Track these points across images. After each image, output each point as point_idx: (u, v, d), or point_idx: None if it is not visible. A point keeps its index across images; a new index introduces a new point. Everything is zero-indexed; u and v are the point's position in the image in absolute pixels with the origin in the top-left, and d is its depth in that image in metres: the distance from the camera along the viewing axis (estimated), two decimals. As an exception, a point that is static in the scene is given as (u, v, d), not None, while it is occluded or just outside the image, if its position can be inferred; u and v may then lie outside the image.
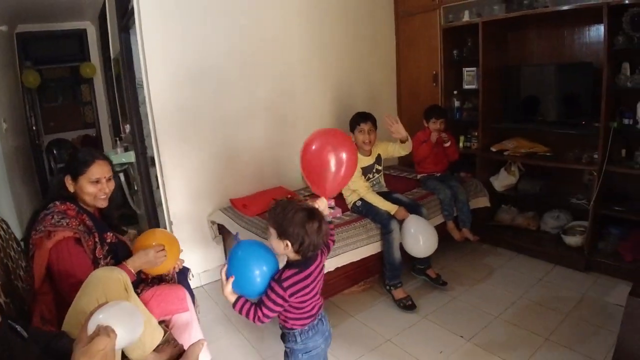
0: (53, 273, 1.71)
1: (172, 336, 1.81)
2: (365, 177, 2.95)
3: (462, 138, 3.84)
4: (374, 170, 3.02)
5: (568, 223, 3.32)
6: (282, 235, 1.47)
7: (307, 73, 3.65)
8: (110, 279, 1.47)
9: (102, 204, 1.88)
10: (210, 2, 3.09)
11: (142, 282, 1.99)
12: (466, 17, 3.55)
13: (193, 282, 3.15)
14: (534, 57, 3.50)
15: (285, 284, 1.45)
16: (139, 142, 3.49)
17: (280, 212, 1.49)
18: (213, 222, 3.29)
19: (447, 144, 3.34)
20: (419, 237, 2.72)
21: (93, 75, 5.98)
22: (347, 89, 3.91)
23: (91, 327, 1.03)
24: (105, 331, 1.01)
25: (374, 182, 3.03)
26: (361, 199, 2.90)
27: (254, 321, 1.47)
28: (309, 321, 1.56)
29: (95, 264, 1.77)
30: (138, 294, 1.86)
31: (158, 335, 1.66)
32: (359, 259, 2.70)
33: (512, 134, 3.59)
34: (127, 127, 4.25)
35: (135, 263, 1.81)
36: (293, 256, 1.51)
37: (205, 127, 3.19)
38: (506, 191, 3.61)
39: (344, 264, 2.63)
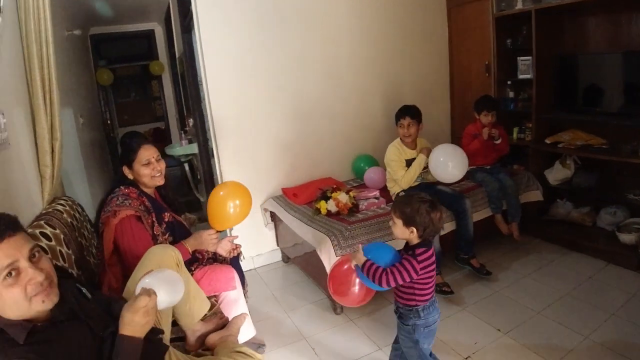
0: (119, 247, 1.97)
1: (219, 309, 2.02)
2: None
3: (515, 129, 3.77)
4: None
5: (625, 220, 3.19)
6: (408, 223, 1.74)
7: (356, 66, 3.74)
8: (164, 255, 1.69)
9: (160, 181, 2.14)
10: (263, 2, 3.27)
11: (197, 262, 2.21)
12: (519, 5, 3.47)
13: (246, 265, 3.42)
14: (590, 45, 3.36)
15: (419, 259, 1.71)
16: (201, 134, 3.77)
17: (405, 204, 1.77)
18: (266, 210, 3.49)
19: (498, 142, 3.28)
20: (448, 164, 2.75)
21: (161, 73, 6.41)
22: (397, 81, 3.95)
23: (137, 289, 1.25)
24: (147, 292, 1.22)
25: (418, 179, 3.06)
26: (404, 190, 2.97)
27: (379, 282, 1.71)
28: (429, 297, 1.79)
29: (154, 239, 2.02)
30: (192, 271, 2.10)
31: (205, 307, 1.86)
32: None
33: (568, 125, 3.49)
34: (191, 121, 4.56)
35: (191, 242, 2.06)
36: (416, 240, 1.77)
37: (259, 120, 3.39)
38: (561, 185, 3.51)
39: (386, 252, 2.72)
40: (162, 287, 1.29)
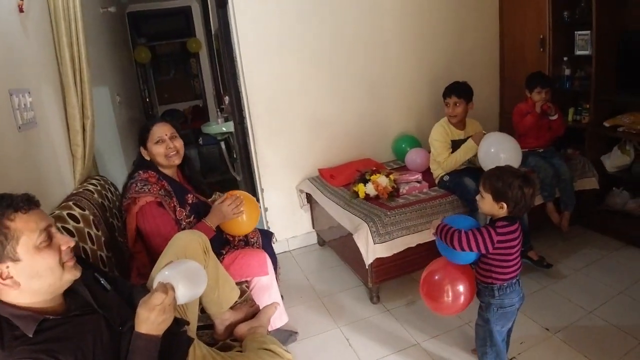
0: (142, 233, 1.91)
1: (250, 296, 1.93)
2: (452, 152, 2.81)
3: (571, 110, 3.46)
4: None
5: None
6: (499, 198, 1.67)
7: (401, 40, 3.52)
8: (191, 241, 1.60)
9: (176, 160, 2.03)
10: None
11: (228, 245, 2.13)
12: (579, -26, 3.14)
13: (281, 248, 3.35)
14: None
15: (498, 230, 1.65)
16: (237, 112, 3.68)
17: (497, 177, 1.68)
18: (301, 191, 3.39)
19: (554, 117, 3.00)
20: (500, 155, 2.50)
21: (199, 50, 6.34)
22: (444, 57, 3.70)
23: (155, 283, 1.15)
24: (163, 288, 1.12)
25: (465, 163, 2.84)
26: (449, 174, 2.78)
27: (451, 241, 1.69)
28: (508, 277, 1.71)
29: (178, 224, 1.94)
30: (223, 255, 2.02)
31: (235, 295, 1.78)
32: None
33: (629, 107, 3.12)
34: (227, 99, 4.48)
35: (212, 219, 1.95)
36: (502, 215, 1.70)
37: (296, 98, 3.26)
38: (618, 172, 3.20)
39: (427, 240, 2.55)
40: (181, 281, 1.19)
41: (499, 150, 2.52)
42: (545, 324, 2.27)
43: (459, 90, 2.77)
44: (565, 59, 3.44)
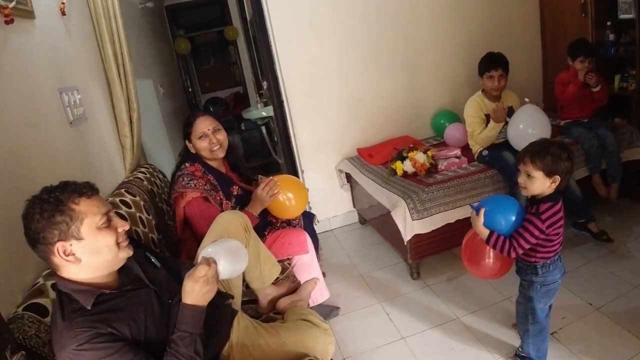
0: (190, 225, 2.02)
1: (292, 273, 2.02)
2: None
3: (617, 77, 3.27)
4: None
5: None
6: (551, 173, 1.58)
7: (435, 12, 3.43)
8: (232, 221, 1.69)
9: (219, 154, 2.10)
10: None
11: (270, 225, 2.22)
12: None
13: (322, 227, 3.43)
14: None
15: (543, 217, 1.58)
16: (275, 97, 3.75)
17: (545, 152, 1.58)
18: (341, 171, 3.43)
19: (597, 89, 2.86)
20: (527, 131, 2.43)
21: (236, 38, 6.45)
22: (481, 26, 3.57)
23: (199, 258, 1.25)
24: (206, 261, 1.22)
25: (501, 137, 2.75)
26: (488, 148, 2.74)
27: (508, 253, 1.63)
28: (552, 255, 1.67)
29: None
30: (265, 236, 2.11)
31: (276, 271, 1.87)
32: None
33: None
34: (265, 84, 4.56)
35: (253, 206, 2.02)
36: (549, 192, 1.62)
37: (331, 79, 3.28)
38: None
39: (467, 216, 2.52)
40: (223, 257, 1.28)
41: (527, 126, 2.47)
42: (588, 299, 2.22)
43: (503, 62, 2.70)
44: (608, 23, 3.25)
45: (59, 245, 1.08)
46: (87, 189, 1.15)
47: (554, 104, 3.16)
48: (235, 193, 2.13)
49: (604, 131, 2.86)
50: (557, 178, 1.58)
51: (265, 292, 1.86)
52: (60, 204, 1.08)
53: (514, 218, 1.63)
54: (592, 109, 2.99)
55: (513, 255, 1.62)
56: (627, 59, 3.20)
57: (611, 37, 3.27)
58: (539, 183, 1.60)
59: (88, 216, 1.12)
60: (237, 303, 1.64)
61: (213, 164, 2.14)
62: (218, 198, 2.03)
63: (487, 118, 2.74)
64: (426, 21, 3.43)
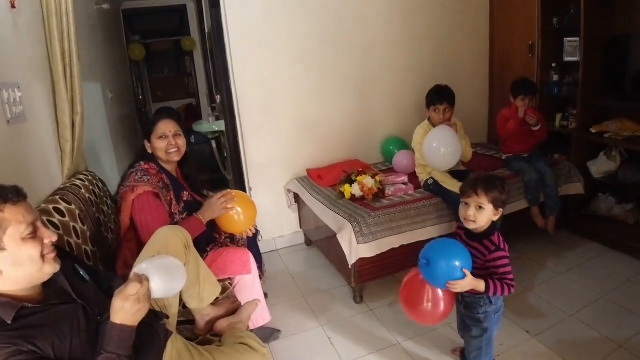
0: (135, 223, 1.94)
1: (232, 293, 1.96)
2: None
3: (558, 116, 3.50)
4: None
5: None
6: (498, 205, 1.67)
7: (389, 42, 3.55)
8: (171, 237, 1.63)
9: (175, 157, 2.10)
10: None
11: (213, 242, 2.16)
12: (567, -19, 3.19)
13: (267, 247, 3.38)
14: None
15: (503, 246, 1.68)
16: (228, 111, 3.71)
17: (493, 186, 1.66)
18: (289, 191, 3.42)
19: (536, 128, 3.04)
20: (440, 149, 2.60)
21: (193, 49, 6.38)
22: (433, 59, 3.73)
23: (132, 275, 1.18)
24: (138, 279, 1.15)
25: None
26: (433, 177, 2.83)
27: (509, 293, 1.65)
28: None
29: (172, 218, 1.98)
30: (207, 252, 2.05)
31: (216, 291, 1.81)
32: (426, 238, 2.64)
33: (616, 114, 3.20)
34: (218, 98, 4.51)
35: (204, 213, 2.00)
36: (488, 225, 1.71)
37: (285, 98, 3.29)
38: (604, 178, 3.24)
39: (411, 242, 2.60)
40: (157, 274, 1.21)
41: (439, 145, 2.63)
42: (525, 327, 2.31)
43: (450, 97, 2.80)
44: (554, 65, 3.49)
45: None
46: (14, 195, 1.07)
47: (497, 137, 3.33)
48: (185, 198, 2.10)
49: (543, 166, 3.04)
50: (501, 210, 1.67)
51: (203, 313, 1.79)
52: None
53: (465, 256, 1.61)
54: (532, 144, 3.17)
55: (513, 291, 1.65)
56: (569, 99, 3.43)
57: (555, 77, 3.49)
58: (487, 214, 1.67)
59: (12, 225, 1.04)
60: (172, 323, 1.56)
61: (167, 167, 2.12)
62: (169, 197, 2.00)
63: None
64: (381, 50, 3.53)
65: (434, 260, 1.59)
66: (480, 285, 1.62)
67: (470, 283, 1.59)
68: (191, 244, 1.72)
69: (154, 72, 6.90)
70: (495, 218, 1.70)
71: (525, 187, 2.98)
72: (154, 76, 6.89)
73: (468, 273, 1.58)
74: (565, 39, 3.37)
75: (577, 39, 3.21)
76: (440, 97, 2.80)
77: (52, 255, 1.13)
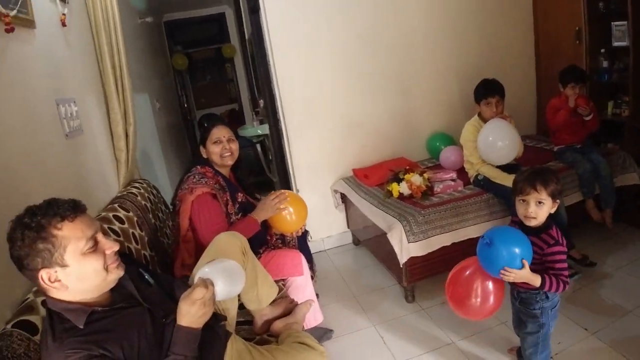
0: (194, 223, 1.99)
1: (287, 294, 1.98)
2: None
3: (610, 104, 3.32)
4: None
5: None
6: (557, 196, 1.64)
7: (431, 37, 3.49)
8: (230, 243, 1.67)
9: (229, 161, 2.15)
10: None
11: (266, 244, 2.20)
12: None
13: (316, 247, 3.39)
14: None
15: (562, 241, 1.63)
16: (271, 115, 3.75)
17: (549, 179, 1.62)
18: (336, 191, 3.42)
19: (588, 118, 2.90)
20: (496, 143, 2.52)
21: (233, 55, 6.51)
22: (476, 52, 3.63)
23: (196, 279, 1.21)
24: (204, 283, 1.18)
25: None
26: (482, 174, 2.74)
27: (563, 289, 1.60)
28: None
29: (228, 217, 2.03)
30: (260, 254, 2.08)
31: (273, 293, 1.84)
32: (478, 235, 2.56)
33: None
34: (261, 102, 4.58)
35: (258, 213, 2.06)
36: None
37: (327, 99, 3.30)
38: (661, 167, 3.06)
39: (462, 239, 2.54)
40: (220, 278, 1.25)
41: (496, 139, 2.55)
42: (583, 324, 2.21)
43: (500, 89, 2.73)
44: (602, 50, 3.33)
45: (43, 272, 1.04)
46: (71, 211, 1.08)
47: (548, 129, 3.20)
48: (240, 200, 2.15)
49: (596, 156, 2.90)
50: (558, 201, 1.63)
51: (262, 313, 1.83)
52: (42, 230, 1.03)
53: (527, 245, 1.57)
54: (584, 134, 3.03)
55: (567, 287, 1.60)
56: (620, 86, 3.26)
57: (605, 64, 3.34)
58: (547, 209, 1.62)
59: (72, 242, 1.06)
60: (231, 325, 1.60)
61: (222, 170, 2.18)
62: (225, 198, 2.06)
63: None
64: (422, 45, 3.47)
65: (498, 242, 1.54)
66: (536, 280, 1.57)
67: (526, 275, 1.54)
68: (248, 248, 1.75)
69: (196, 80, 7.07)
70: (553, 210, 1.65)
71: (579, 180, 2.85)
72: (196, 84, 7.07)
73: (527, 264, 1.53)
74: (612, 23, 3.20)
75: (625, 22, 3.05)
76: (491, 90, 2.72)
77: (115, 264, 1.15)
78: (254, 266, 1.77)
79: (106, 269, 1.11)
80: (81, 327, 1.06)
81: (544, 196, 1.60)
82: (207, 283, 1.20)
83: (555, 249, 1.61)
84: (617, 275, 2.60)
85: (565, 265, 1.61)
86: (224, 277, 1.26)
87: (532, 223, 1.64)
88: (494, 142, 2.57)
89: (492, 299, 1.69)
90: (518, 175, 1.74)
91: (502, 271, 1.54)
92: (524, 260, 1.53)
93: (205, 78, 7.21)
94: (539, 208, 1.61)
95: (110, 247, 1.14)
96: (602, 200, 2.88)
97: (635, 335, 2.09)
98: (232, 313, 1.61)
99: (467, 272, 1.72)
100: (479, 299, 1.69)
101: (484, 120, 2.78)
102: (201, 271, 1.28)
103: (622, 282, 2.53)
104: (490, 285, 1.68)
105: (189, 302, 1.15)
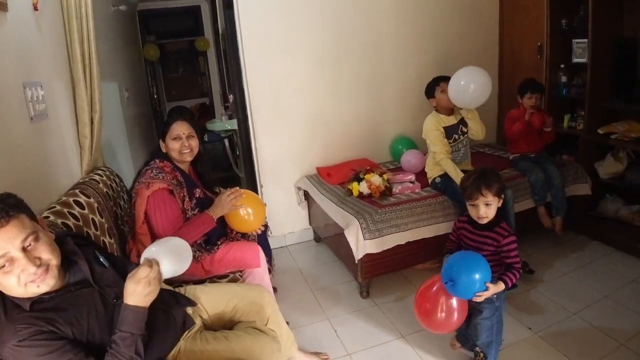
0: (149, 218, 2.02)
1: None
2: (451, 139, 2.87)
3: (566, 117, 3.52)
4: (460, 132, 2.92)
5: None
6: (501, 192, 1.82)
7: (400, 41, 3.60)
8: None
9: (187, 157, 2.17)
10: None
11: (225, 237, 2.25)
12: (576, -18, 3.21)
13: (277, 243, 3.46)
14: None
15: (512, 231, 1.83)
16: (241, 110, 3.79)
17: (493, 180, 1.80)
18: (299, 188, 3.50)
19: (549, 129, 3.09)
20: (469, 86, 2.64)
21: (207, 49, 6.47)
22: (442, 60, 3.75)
23: (142, 259, 1.27)
24: (149, 262, 1.24)
25: (460, 146, 2.93)
26: (441, 176, 2.88)
27: (519, 277, 1.80)
28: None
29: (184, 213, 2.07)
30: (218, 245, 2.13)
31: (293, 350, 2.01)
32: (432, 235, 2.71)
33: (623, 115, 3.21)
34: (231, 97, 4.60)
35: (214, 209, 2.08)
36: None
37: (297, 97, 3.37)
38: (611, 180, 3.27)
39: (416, 239, 2.66)
40: (166, 257, 1.30)
41: (468, 82, 2.66)
42: (527, 324, 2.35)
43: (447, 78, 2.84)
44: (562, 66, 3.51)
45: None
46: None
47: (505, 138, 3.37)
48: (197, 195, 2.17)
49: (550, 166, 3.07)
50: (503, 196, 1.83)
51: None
52: None
53: (486, 268, 1.70)
54: (539, 145, 3.20)
55: (518, 278, 1.80)
56: (577, 100, 3.45)
57: (564, 78, 3.52)
58: (495, 206, 1.82)
59: None
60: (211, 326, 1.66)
61: (180, 165, 2.20)
62: (182, 194, 2.08)
63: (445, 132, 2.87)
64: (391, 51, 3.59)
65: (458, 279, 1.68)
66: (500, 287, 1.74)
67: (492, 291, 1.71)
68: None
69: (168, 71, 7.02)
70: (500, 204, 1.84)
71: (532, 187, 3.01)
72: (168, 76, 7.02)
73: (490, 285, 1.69)
74: (573, 40, 3.39)
75: (585, 40, 3.22)
76: (441, 78, 2.88)
77: (35, 282, 1.10)
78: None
79: (25, 285, 1.09)
80: (27, 309, 1.10)
81: (490, 198, 1.79)
82: (152, 262, 1.25)
83: (510, 239, 1.82)
84: (563, 280, 2.76)
85: (517, 253, 1.81)
86: (170, 256, 1.31)
87: (485, 221, 1.85)
88: (467, 85, 2.65)
89: (455, 315, 1.81)
90: (464, 179, 1.90)
91: (474, 297, 1.71)
92: (487, 283, 1.69)
93: (178, 70, 7.17)
94: (488, 209, 1.81)
95: (24, 269, 1.07)
96: (553, 208, 3.05)
97: (577, 336, 2.23)
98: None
99: (435, 288, 1.83)
100: (444, 314, 1.80)
101: (441, 112, 2.93)
102: (147, 250, 1.33)
103: (568, 286, 2.69)
104: (454, 302, 1.79)
105: (134, 281, 1.20)
